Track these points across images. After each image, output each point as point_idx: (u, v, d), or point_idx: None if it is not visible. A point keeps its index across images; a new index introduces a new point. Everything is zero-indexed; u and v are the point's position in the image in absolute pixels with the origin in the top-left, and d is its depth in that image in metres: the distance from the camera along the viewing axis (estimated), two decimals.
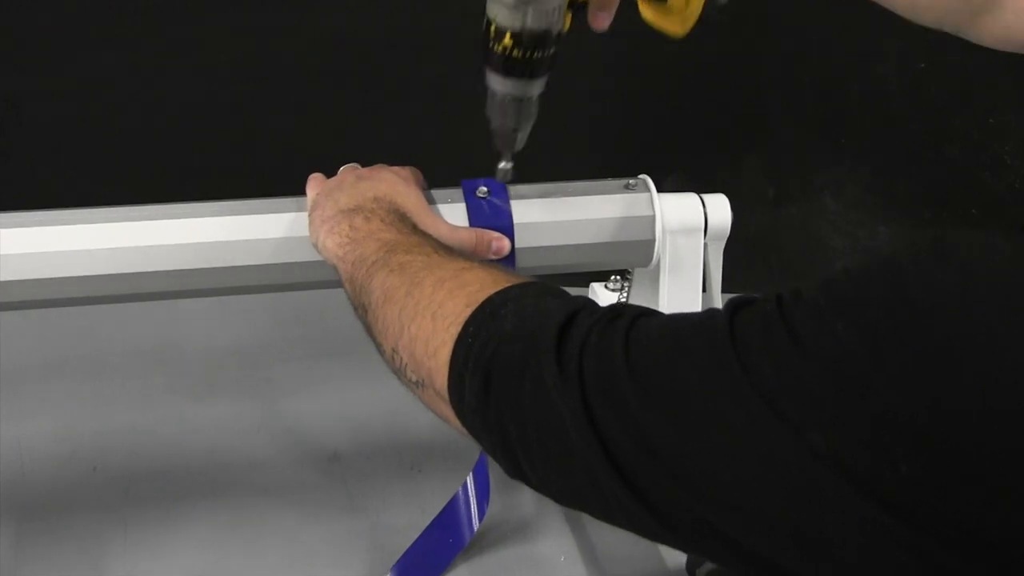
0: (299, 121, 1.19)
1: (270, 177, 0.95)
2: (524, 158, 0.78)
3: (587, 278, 1.08)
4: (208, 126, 1.18)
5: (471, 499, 0.88)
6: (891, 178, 1.23)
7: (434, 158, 0.83)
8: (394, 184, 0.77)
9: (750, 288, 1.10)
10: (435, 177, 0.83)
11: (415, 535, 0.89)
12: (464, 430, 0.56)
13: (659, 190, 0.86)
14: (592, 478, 0.49)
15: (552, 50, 0.71)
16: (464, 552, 0.88)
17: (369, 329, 0.65)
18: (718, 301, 0.91)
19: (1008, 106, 1.16)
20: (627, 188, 0.85)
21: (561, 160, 0.85)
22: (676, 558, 0.88)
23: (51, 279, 0.76)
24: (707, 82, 1.18)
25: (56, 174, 1.19)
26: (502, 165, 0.79)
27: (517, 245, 0.81)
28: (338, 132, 1.20)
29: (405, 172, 0.81)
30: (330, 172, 0.83)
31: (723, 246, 0.87)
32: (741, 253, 0.90)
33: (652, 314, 0.52)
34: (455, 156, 0.81)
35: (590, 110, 1.18)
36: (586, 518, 0.93)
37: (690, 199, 0.86)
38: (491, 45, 0.70)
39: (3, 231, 0.76)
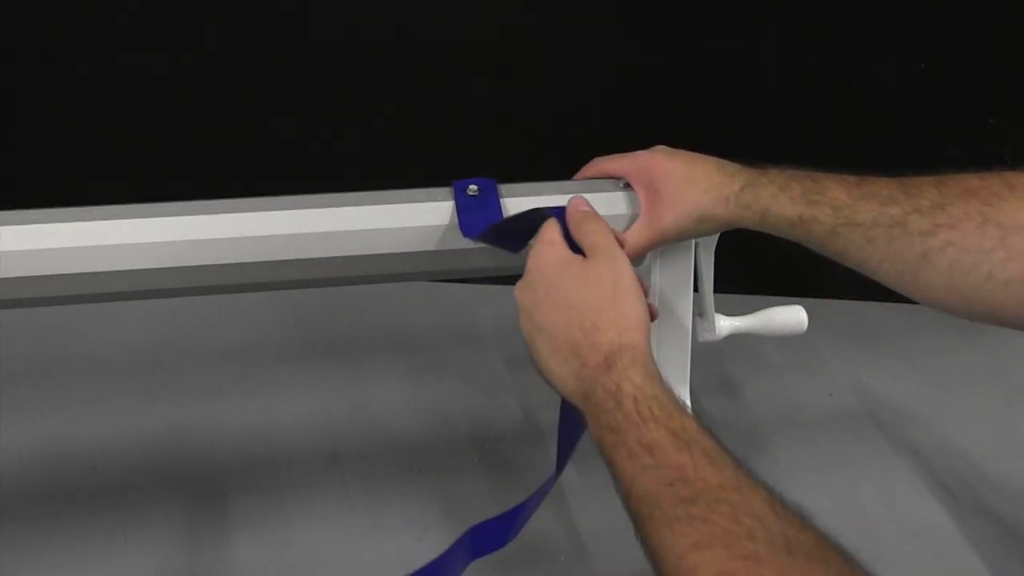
0: (298, 120, 1.19)
1: (270, 175, 0.95)
2: (522, 157, 0.78)
3: None
4: (207, 125, 1.18)
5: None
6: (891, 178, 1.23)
7: (430, 157, 0.83)
8: (616, 312, 0.66)
9: (747, 288, 1.11)
10: (432, 177, 0.83)
11: (415, 535, 0.90)
12: None
13: None
14: None
15: None
16: None
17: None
18: (710, 301, 0.90)
19: (1008, 106, 1.16)
20: (621, 187, 0.85)
21: (558, 160, 0.85)
22: None
23: (50, 277, 0.76)
24: (706, 82, 1.18)
25: (57, 174, 1.19)
26: None
27: None
28: (338, 131, 1.20)
29: (602, 236, 0.71)
30: (330, 169, 0.83)
31: (714, 246, 0.87)
32: (738, 253, 0.90)
33: None
34: (451, 156, 0.81)
35: (587, 109, 1.18)
36: (584, 516, 0.94)
37: None
38: None
39: (4, 228, 0.76)
